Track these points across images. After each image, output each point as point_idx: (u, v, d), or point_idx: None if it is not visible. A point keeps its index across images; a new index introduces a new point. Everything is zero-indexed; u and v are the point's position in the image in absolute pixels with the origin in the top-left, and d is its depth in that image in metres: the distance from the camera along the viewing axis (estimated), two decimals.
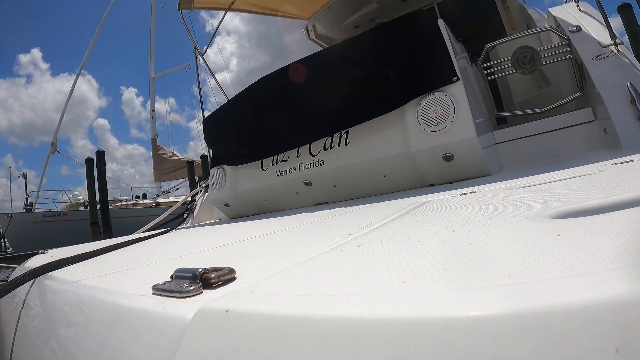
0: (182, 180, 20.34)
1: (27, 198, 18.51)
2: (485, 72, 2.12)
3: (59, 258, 1.26)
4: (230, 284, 0.48)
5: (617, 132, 1.56)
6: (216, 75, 4.57)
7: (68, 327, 0.70)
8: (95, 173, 14.94)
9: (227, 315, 0.37)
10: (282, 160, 2.27)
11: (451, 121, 1.61)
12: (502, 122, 2.33)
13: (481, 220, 0.52)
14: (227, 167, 2.67)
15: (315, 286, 0.38)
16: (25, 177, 32.78)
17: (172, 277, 0.53)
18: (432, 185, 1.76)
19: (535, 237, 0.38)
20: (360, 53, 1.93)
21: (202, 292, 0.47)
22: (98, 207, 15.06)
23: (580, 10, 2.20)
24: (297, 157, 2.18)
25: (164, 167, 20.67)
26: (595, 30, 1.97)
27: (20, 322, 1.01)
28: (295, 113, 2.14)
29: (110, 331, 0.55)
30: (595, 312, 0.21)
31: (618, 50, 1.82)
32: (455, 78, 1.66)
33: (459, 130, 1.59)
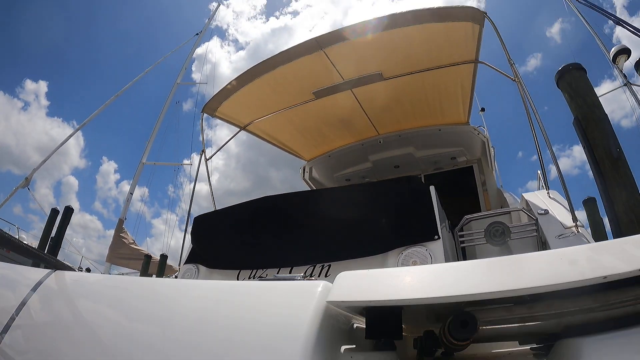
0: (134, 271, 18.61)
1: None
2: (460, 239, 2.33)
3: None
4: None
5: None
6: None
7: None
8: (55, 227, 13.81)
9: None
10: (260, 277, 2.22)
11: None
12: None
13: None
14: (202, 267, 2.62)
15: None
16: None
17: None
18: None
19: None
20: (359, 198, 2.17)
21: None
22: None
23: (550, 197, 2.51)
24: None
25: (120, 251, 18.73)
26: (561, 214, 2.23)
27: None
28: (288, 236, 2.25)
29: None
30: None
31: (578, 231, 2.02)
32: (436, 237, 1.85)
33: None
